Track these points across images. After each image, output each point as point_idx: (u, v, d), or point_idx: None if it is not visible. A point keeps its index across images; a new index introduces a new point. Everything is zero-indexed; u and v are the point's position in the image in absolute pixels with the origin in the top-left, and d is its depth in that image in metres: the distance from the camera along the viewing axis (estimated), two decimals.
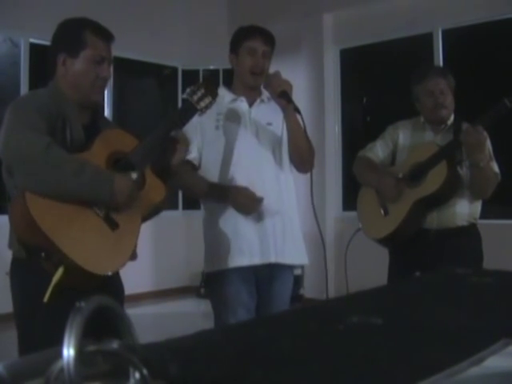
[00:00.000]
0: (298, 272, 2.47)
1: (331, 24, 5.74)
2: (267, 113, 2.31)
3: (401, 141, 2.65)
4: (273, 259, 2.26)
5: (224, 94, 2.28)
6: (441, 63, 4.98)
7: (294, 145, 2.28)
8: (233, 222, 2.24)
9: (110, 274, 1.65)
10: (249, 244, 2.22)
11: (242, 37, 2.28)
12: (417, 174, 2.50)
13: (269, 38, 2.29)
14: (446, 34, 5.06)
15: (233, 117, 2.27)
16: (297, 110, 2.16)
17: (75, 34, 1.77)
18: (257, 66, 2.25)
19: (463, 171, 2.49)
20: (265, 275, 2.28)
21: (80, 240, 1.61)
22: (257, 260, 2.24)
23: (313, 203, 2.15)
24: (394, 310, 1.17)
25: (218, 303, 2.27)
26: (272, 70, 2.31)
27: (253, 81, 2.27)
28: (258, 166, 2.28)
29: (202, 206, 2.39)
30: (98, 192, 1.64)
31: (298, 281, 5.59)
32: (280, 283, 2.32)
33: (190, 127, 2.12)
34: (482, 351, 0.79)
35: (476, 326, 0.99)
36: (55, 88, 1.79)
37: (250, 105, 2.30)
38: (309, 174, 2.23)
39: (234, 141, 2.25)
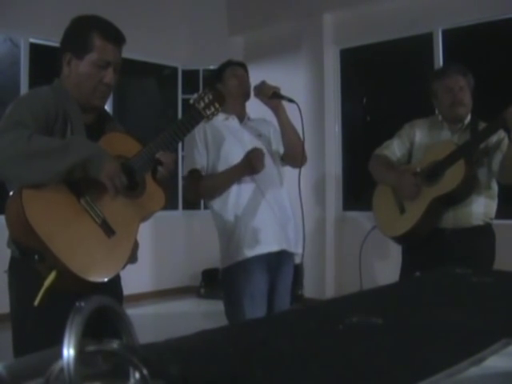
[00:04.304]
0: (297, 261, 2.62)
1: (331, 24, 5.74)
2: (256, 127, 2.60)
3: (417, 139, 2.65)
4: (284, 246, 2.46)
5: None
6: (441, 63, 4.97)
7: (287, 139, 2.50)
8: (245, 215, 2.43)
9: (105, 280, 1.62)
10: (263, 233, 2.42)
11: (224, 66, 2.61)
12: (434, 172, 2.49)
13: (245, 66, 2.64)
14: (446, 34, 5.05)
15: (228, 133, 2.50)
16: (291, 100, 2.36)
17: (83, 35, 1.73)
18: (241, 86, 2.54)
19: (480, 170, 2.49)
20: (274, 261, 2.46)
21: (75, 246, 1.59)
22: (273, 247, 2.44)
23: (300, 197, 2.37)
24: (394, 310, 1.17)
25: (240, 294, 2.38)
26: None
27: (240, 93, 2.54)
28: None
29: (213, 207, 2.50)
30: (89, 154, 1.57)
31: (298, 275, 5.59)
32: (286, 268, 2.53)
33: (196, 138, 2.43)
34: (482, 351, 0.79)
35: (476, 326, 0.99)
36: (60, 85, 1.77)
37: (240, 122, 2.57)
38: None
39: (232, 153, 2.45)
